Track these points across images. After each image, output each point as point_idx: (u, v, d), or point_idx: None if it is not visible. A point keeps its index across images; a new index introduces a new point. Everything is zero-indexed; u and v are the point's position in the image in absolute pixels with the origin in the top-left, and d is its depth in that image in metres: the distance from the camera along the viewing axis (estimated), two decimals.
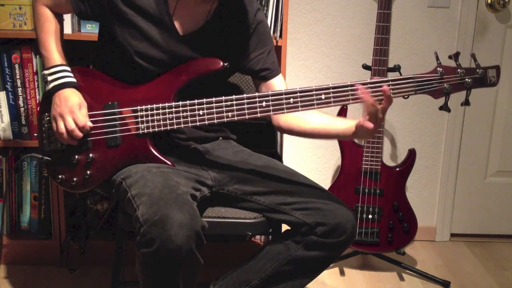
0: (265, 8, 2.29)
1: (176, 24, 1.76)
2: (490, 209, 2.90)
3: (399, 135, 2.80)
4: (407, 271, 2.59)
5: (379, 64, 2.34)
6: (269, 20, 2.30)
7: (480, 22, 2.67)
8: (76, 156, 1.76)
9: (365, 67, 2.42)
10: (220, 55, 1.77)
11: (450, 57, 1.66)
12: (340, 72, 2.71)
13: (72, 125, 1.71)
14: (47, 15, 1.83)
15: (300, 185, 1.81)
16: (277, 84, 1.88)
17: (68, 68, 1.79)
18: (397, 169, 2.48)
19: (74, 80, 1.78)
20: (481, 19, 2.67)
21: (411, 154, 2.49)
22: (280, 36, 2.32)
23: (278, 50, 2.35)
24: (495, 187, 2.88)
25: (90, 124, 1.74)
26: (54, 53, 1.79)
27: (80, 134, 1.73)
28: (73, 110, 1.71)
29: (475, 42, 2.68)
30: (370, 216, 2.46)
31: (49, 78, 1.76)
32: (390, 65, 2.39)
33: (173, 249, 1.48)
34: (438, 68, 1.64)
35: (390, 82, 1.63)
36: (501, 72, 2.71)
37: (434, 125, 2.79)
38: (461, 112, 2.76)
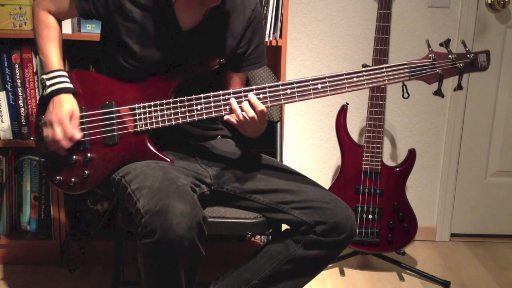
0: (265, 8, 2.30)
1: (179, 20, 1.77)
2: (490, 209, 2.90)
3: (399, 135, 2.80)
4: (407, 271, 2.59)
5: (379, 64, 2.34)
6: (269, 20, 2.31)
7: (480, 22, 2.67)
8: (74, 157, 1.76)
9: (365, 67, 2.41)
10: (218, 49, 1.79)
11: (441, 44, 1.71)
12: None
13: (58, 136, 1.71)
14: (47, 21, 1.83)
15: (299, 183, 1.81)
16: (240, 79, 1.93)
17: (65, 74, 1.79)
18: (397, 169, 2.48)
19: (71, 86, 1.78)
20: (481, 19, 2.67)
21: (411, 154, 2.49)
22: (280, 36, 2.33)
23: (278, 50, 2.35)
24: (495, 187, 2.88)
25: (78, 136, 1.74)
26: (53, 59, 1.79)
27: (65, 145, 1.73)
28: (62, 120, 1.71)
29: (475, 42, 2.68)
30: (370, 216, 2.46)
31: (48, 82, 1.76)
32: None
33: (175, 238, 1.48)
34: (430, 54, 1.69)
35: (385, 70, 1.68)
36: (501, 72, 2.75)
37: (434, 125, 2.79)
38: (461, 112, 2.76)
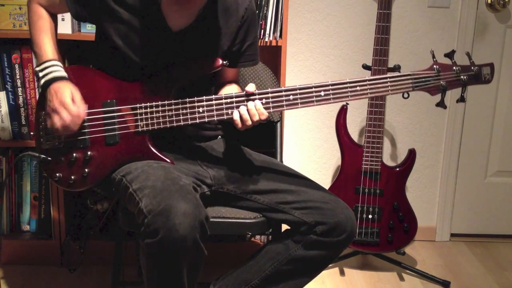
0: (265, 8, 2.29)
1: (168, 21, 1.76)
2: (490, 209, 2.90)
3: (399, 135, 2.80)
4: (407, 271, 2.59)
5: (379, 64, 2.35)
6: (269, 20, 2.30)
7: (480, 22, 2.67)
8: (74, 154, 1.76)
9: (365, 67, 2.42)
10: (212, 49, 1.79)
11: (446, 55, 1.71)
12: (340, 72, 2.71)
13: (66, 118, 1.69)
14: (40, 13, 1.83)
15: (299, 184, 1.82)
16: (233, 71, 1.93)
17: (58, 63, 1.77)
18: (397, 169, 2.48)
19: (64, 74, 1.76)
20: (481, 19, 2.67)
21: (411, 154, 2.49)
22: (280, 36, 2.32)
23: (278, 50, 2.35)
24: (495, 187, 2.88)
25: (84, 110, 1.73)
26: (46, 50, 1.78)
27: (76, 123, 1.72)
28: (64, 102, 1.70)
29: (475, 42, 2.68)
30: (370, 216, 2.46)
31: (40, 74, 1.75)
32: (390, 65, 2.39)
33: (178, 238, 1.48)
34: (435, 66, 1.69)
35: (389, 80, 1.67)
36: (501, 72, 2.75)
37: (434, 125, 2.79)
38: (461, 112, 2.76)
